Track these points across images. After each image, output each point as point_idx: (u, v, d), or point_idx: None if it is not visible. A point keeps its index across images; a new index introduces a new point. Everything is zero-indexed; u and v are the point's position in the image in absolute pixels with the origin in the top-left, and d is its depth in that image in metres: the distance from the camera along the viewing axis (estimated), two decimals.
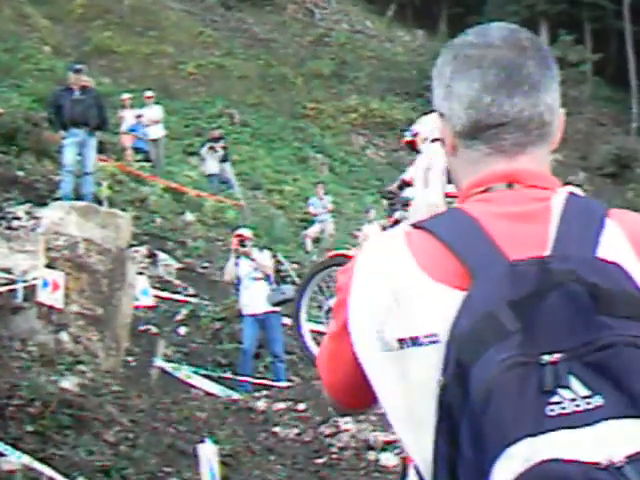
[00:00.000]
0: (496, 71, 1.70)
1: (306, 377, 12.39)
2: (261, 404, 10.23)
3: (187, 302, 14.93)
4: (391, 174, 24.40)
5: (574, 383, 1.43)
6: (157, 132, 22.43)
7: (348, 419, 9.40)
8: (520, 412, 1.42)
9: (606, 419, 1.42)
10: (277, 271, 13.33)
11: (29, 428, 7.59)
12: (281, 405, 10.15)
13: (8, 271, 10.40)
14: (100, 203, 14.49)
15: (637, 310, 1.48)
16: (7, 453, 7.03)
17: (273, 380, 12.58)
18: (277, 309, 12.80)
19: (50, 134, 16.41)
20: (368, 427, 9.30)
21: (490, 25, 1.79)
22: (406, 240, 1.65)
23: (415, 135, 9.01)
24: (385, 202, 9.21)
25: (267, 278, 13.06)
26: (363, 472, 8.74)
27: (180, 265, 16.42)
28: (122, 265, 10.90)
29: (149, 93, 23.64)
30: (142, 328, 13.34)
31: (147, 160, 21.35)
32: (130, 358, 12.09)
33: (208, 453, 6.67)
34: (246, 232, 13.65)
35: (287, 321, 12.05)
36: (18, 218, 12.73)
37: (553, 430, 1.42)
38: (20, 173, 15.33)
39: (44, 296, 9.81)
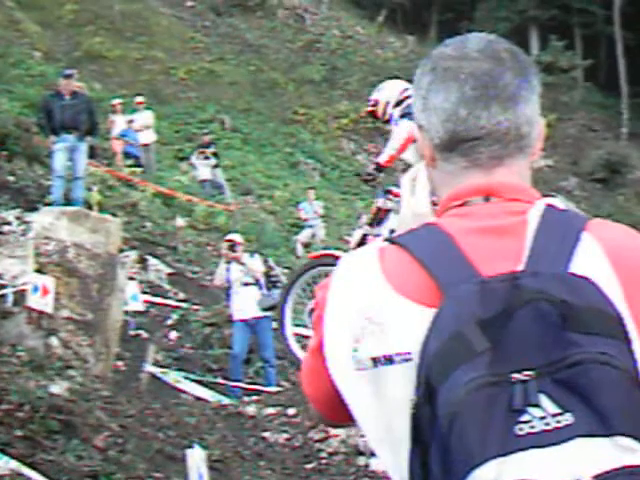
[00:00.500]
0: (473, 83, 1.67)
1: (296, 382, 12.37)
2: (251, 409, 10.22)
3: (178, 307, 14.93)
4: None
5: (544, 401, 1.41)
6: (148, 137, 22.46)
7: None
8: (488, 433, 1.40)
9: (575, 437, 1.39)
10: (268, 276, 13.33)
11: (18, 433, 7.56)
12: (271, 410, 10.14)
13: None
14: (90, 208, 14.48)
15: (606, 326, 1.46)
16: None
17: (263, 385, 12.58)
18: (267, 314, 12.80)
19: (40, 139, 16.39)
20: (358, 432, 9.29)
21: (469, 36, 1.77)
22: (379, 257, 1.64)
23: (375, 104, 9.02)
24: (367, 185, 9.21)
25: (257, 283, 13.07)
26: (353, 477, 8.72)
27: (171, 270, 16.42)
28: (112, 270, 10.88)
29: (140, 98, 23.67)
30: (132, 333, 13.34)
31: (138, 165, 21.37)
32: (120, 363, 12.08)
33: (197, 458, 6.65)
34: (237, 237, 13.65)
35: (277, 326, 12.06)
36: (8, 223, 12.69)
37: (522, 450, 1.39)
38: (10, 178, 15.30)
39: (34, 301, 9.79)
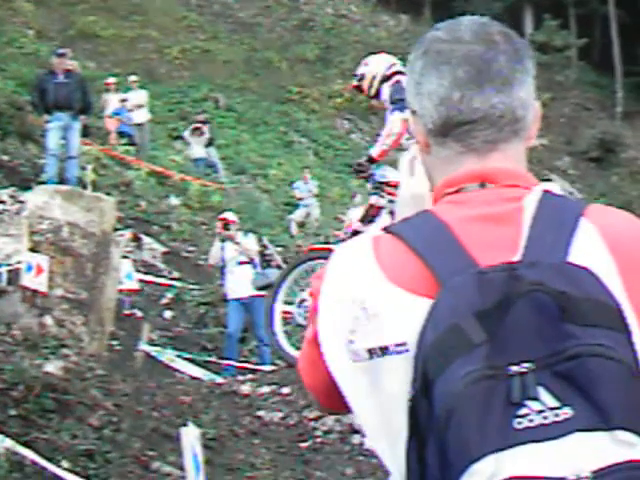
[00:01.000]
0: (466, 67, 1.65)
1: None
2: (245, 388, 10.23)
3: (172, 286, 14.93)
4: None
5: (543, 394, 1.40)
6: (142, 116, 22.41)
7: None
8: (486, 427, 1.38)
9: (574, 431, 1.38)
10: (262, 255, 13.33)
11: (12, 412, 7.57)
12: (265, 389, 10.15)
13: None
14: (84, 187, 14.45)
15: (605, 318, 1.44)
16: None
17: (258, 364, 12.60)
18: (262, 293, 12.81)
19: (34, 118, 16.35)
20: None
21: (461, 19, 1.74)
22: (373, 246, 1.62)
23: (361, 79, 8.98)
24: (356, 175, 9.20)
25: (252, 262, 13.08)
26: (347, 456, 8.74)
27: (165, 249, 16.42)
28: (106, 249, 10.86)
29: (133, 77, 23.62)
30: (127, 312, 13.34)
31: (132, 144, 21.35)
32: (114, 342, 12.08)
33: (191, 437, 6.66)
34: (230, 216, 13.66)
35: None
36: (2, 202, 12.69)
37: (520, 444, 1.38)
38: (4, 157, 15.29)
39: (28, 280, 9.78)
